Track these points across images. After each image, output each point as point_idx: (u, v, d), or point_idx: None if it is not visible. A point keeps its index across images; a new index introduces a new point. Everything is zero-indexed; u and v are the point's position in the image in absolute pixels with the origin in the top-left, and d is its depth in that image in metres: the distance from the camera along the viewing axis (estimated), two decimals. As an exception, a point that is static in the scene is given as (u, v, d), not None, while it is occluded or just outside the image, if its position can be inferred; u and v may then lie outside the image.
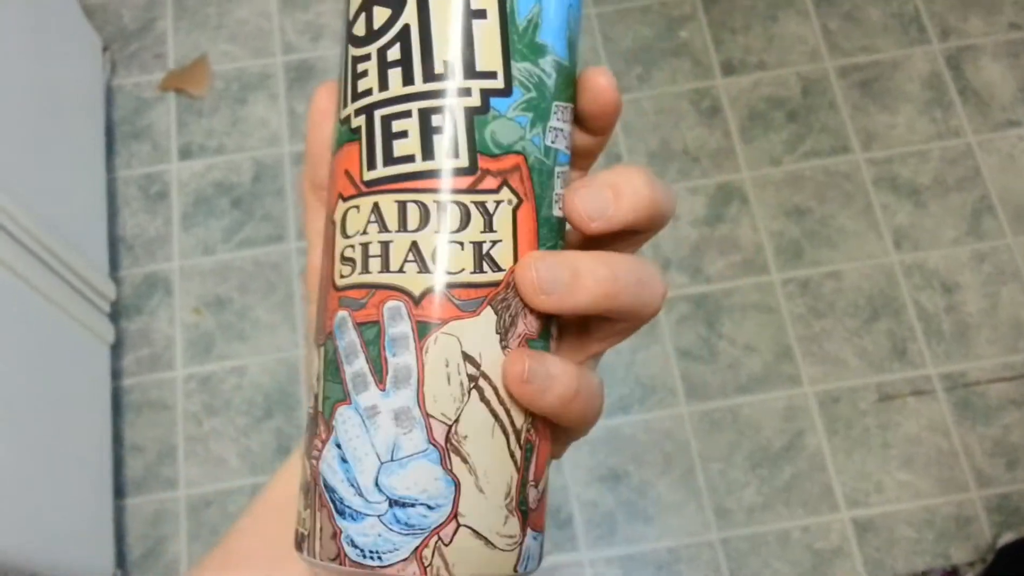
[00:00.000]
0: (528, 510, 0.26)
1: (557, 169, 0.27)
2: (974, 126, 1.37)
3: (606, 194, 0.25)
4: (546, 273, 0.24)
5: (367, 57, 0.26)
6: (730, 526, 1.18)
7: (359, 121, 0.26)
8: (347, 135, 0.26)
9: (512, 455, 0.25)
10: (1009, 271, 1.30)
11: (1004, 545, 1.14)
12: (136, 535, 1.19)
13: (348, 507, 0.25)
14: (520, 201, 0.26)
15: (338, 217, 0.26)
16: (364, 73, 0.26)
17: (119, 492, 1.20)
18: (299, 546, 0.26)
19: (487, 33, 0.26)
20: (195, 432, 1.23)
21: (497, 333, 0.25)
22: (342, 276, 0.26)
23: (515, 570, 0.25)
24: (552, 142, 0.26)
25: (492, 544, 0.25)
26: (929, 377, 1.25)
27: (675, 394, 1.24)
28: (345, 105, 0.26)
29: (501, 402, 0.25)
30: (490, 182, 0.25)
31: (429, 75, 0.25)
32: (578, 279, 0.25)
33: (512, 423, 0.25)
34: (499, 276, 0.25)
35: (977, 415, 1.23)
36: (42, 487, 0.99)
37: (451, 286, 0.25)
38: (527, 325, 0.26)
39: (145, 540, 1.19)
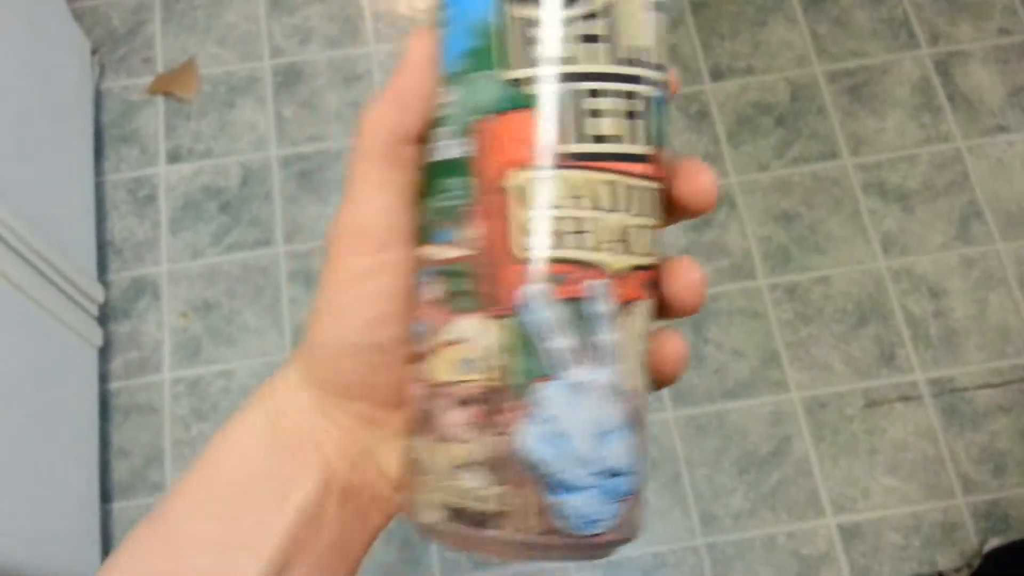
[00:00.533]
0: None
1: None
2: (963, 131, 1.37)
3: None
4: (701, 285, 0.28)
5: (554, 23, 0.25)
6: (716, 532, 1.18)
7: (537, 89, 0.25)
8: (519, 99, 0.25)
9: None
10: (997, 276, 1.30)
11: (991, 550, 1.14)
12: (123, 539, 1.19)
13: (562, 480, 0.25)
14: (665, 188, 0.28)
15: (516, 185, 0.25)
16: (548, 39, 0.25)
17: (106, 496, 1.20)
18: (482, 524, 0.25)
19: (662, 28, 0.27)
20: (182, 436, 1.23)
21: (651, 314, 0.27)
22: (526, 248, 0.25)
23: None
24: None
25: (644, 507, 0.27)
26: (916, 383, 1.25)
27: (661, 399, 1.24)
28: (510, 67, 0.25)
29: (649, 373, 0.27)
30: (659, 172, 0.27)
31: (628, 59, 0.26)
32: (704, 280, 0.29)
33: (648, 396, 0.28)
34: (658, 260, 0.27)
35: (964, 421, 1.23)
36: (28, 491, 0.99)
37: (638, 268, 0.26)
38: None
39: (131, 544, 1.19)
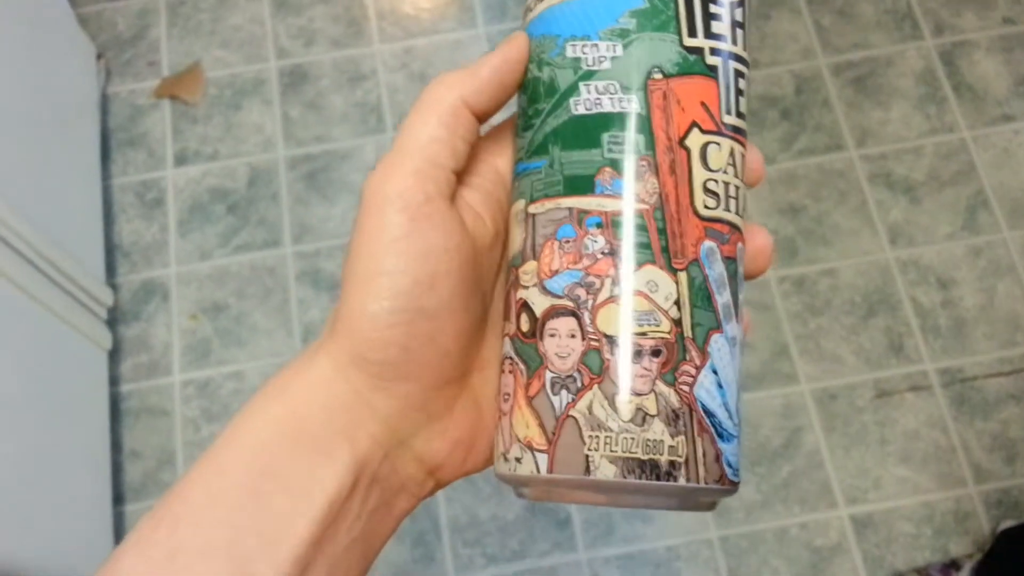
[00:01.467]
0: None
1: None
2: (968, 121, 1.37)
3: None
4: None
5: (726, 4, 0.28)
6: (728, 524, 1.18)
7: (715, 61, 0.27)
8: (699, 67, 0.27)
9: None
10: (1005, 265, 1.30)
11: (1005, 529, 1.14)
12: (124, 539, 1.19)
13: (726, 430, 0.26)
14: None
15: (696, 146, 0.27)
16: (717, 16, 0.27)
17: (118, 499, 1.20)
18: (664, 475, 0.25)
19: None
20: (193, 437, 1.23)
21: None
22: (707, 207, 0.26)
23: None
24: None
25: None
26: (926, 373, 1.25)
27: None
28: (695, 34, 0.27)
29: None
30: None
31: (747, 47, 0.29)
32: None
33: None
34: None
35: (975, 410, 1.23)
36: (40, 493, 0.99)
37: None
38: None
39: (145, 546, 1.19)
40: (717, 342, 0.26)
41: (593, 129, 0.27)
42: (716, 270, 0.26)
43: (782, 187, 1.34)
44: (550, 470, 0.26)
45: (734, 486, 0.26)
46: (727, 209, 0.27)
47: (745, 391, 1.24)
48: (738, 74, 0.28)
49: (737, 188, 0.27)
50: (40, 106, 1.16)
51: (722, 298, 0.26)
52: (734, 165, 0.27)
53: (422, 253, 0.26)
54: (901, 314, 1.28)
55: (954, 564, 1.14)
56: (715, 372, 0.26)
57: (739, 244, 0.28)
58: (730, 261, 0.27)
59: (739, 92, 0.28)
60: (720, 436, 0.26)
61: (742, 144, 0.28)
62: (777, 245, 1.31)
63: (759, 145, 1.36)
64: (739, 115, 0.28)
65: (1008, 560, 1.09)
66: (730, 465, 0.26)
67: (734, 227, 0.27)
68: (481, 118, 0.29)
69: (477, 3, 1.46)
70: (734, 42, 0.28)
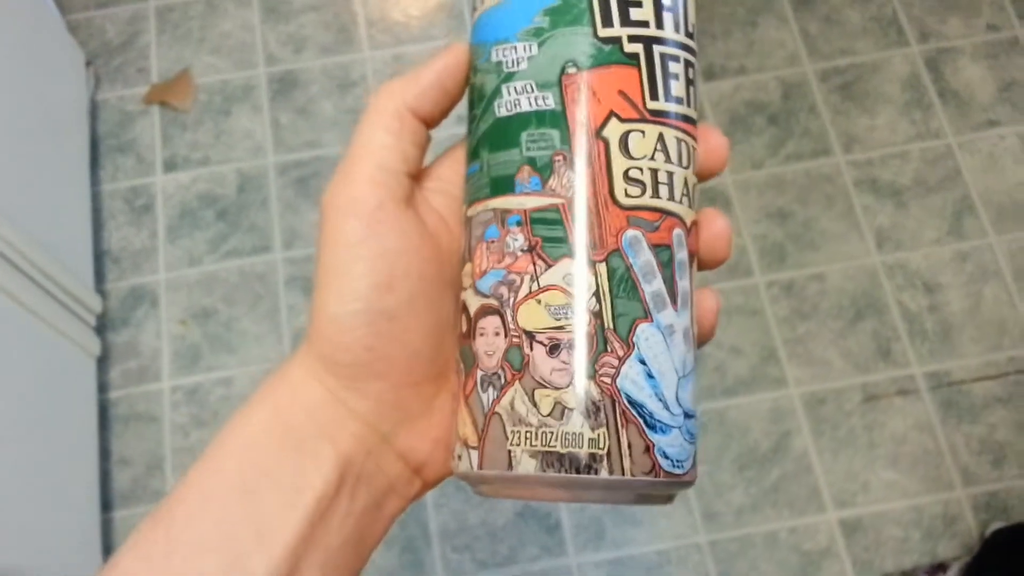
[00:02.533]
0: None
1: None
2: (954, 127, 1.39)
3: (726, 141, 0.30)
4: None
5: None
6: (718, 528, 1.19)
7: (635, 48, 0.27)
8: (617, 56, 0.27)
9: None
10: (991, 270, 1.31)
11: (993, 531, 1.14)
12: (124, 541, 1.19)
13: (659, 421, 0.26)
14: None
15: (615, 135, 0.26)
16: (636, 3, 0.27)
17: (106, 505, 1.20)
18: (584, 468, 0.25)
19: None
20: (182, 444, 1.23)
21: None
22: (629, 195, 0.26)
23: None
24: None
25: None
26: (914, 376, 1.26)
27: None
28: (610, 24, 0.27)
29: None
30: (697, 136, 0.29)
31: (688, 32, 0.28)
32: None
33: None
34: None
35: (962, 413, 1.24)
36: (29, 500, 0.99)
37: (694, 224, 0.28)
38: None
39: (133, 553, 1.19)
40: (645, 332, 0.26)
41: (513, 130, 0.27)
42: (642, 259, 0.26)
43: (770, 192, 1.35)
44: (480, 466, 0.27)
45: (676, 478, 0.26)
46: (656, 196, 0.26)
47: (733, 395, 1.24)
48: (670, 58, 0.27)
49: (671, 174, 0.27)
50: (29, 112, 1.16)
51: (651, 287, 0.26)
52: (665, 151, 0.27)
53: (378, 256, 0.27)
54: (888, 318, 1.28)
55: (941, 566, 1.15)
56: (643, 362, 0.25)
57: (676, 230, 0.27)
58: (661, 248, 0.26)
59: (671, 76, 0.27)
60: (651, 427, 0.25)
61: (680, 129, 0.27)
62: (765, 250, 1.32)
63: (747, 151, 1.37)
64: (675, 100, 0.27)
65: (997, 561, 1.09)
66: (666, 456, 0.25)
67: (667, 213, 0.27)
68: (428, 122, 0.29)
69: (466, 10, 1.46)
70: (660, 26, 0.27)
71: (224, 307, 1.30)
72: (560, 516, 1.19)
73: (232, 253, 1.33)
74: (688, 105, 0.28)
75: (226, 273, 1.32)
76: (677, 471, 0.26)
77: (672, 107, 0.27)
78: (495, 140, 0.28)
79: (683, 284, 0.27)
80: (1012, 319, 1.28)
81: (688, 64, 0.28)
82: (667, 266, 0.26)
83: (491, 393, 0.27)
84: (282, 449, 0.27)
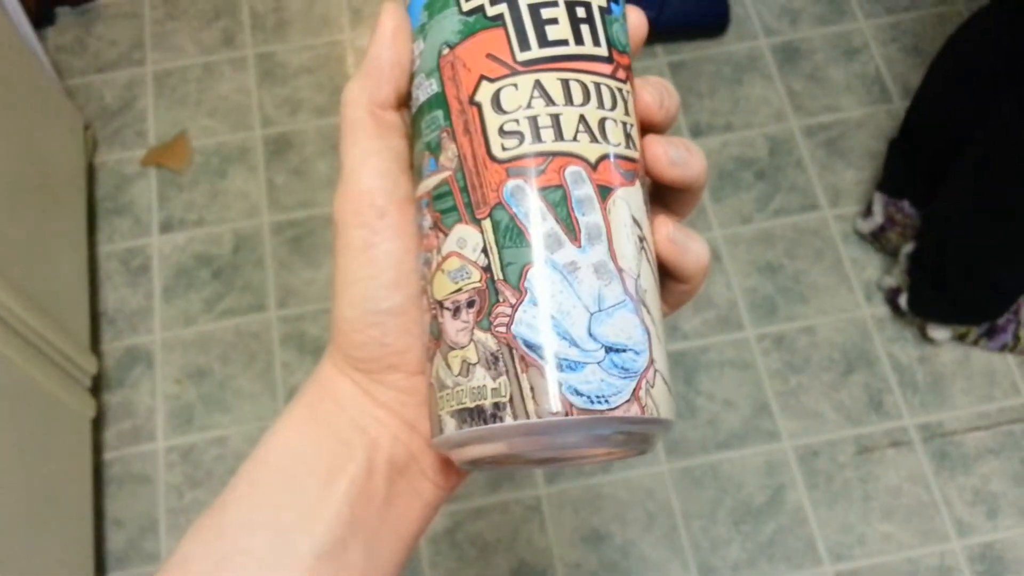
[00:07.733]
0: None
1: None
2: (938, 180, 1.41)
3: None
4: (673, 150, 0.29)
5: None
6: (714, 584, 1.18)
7: (498, 9, 0.28)
8: (481, 23, 0.28)
9: (661, 310, 0.29)
10: (980, 321, 1.32)
11: None
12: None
13: (565, 359, 0.26)
14: (633, 95, 0.30)
15: (487, 97, 0.27)
16: None
17: (100, 567, 1.19)
18: (490, 417, 0.26)
19: None
20: (177, 504, 1.23)
21: (645, 203, 0.29)
22: (505, 149, 0.27)
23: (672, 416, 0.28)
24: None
25: (671, 389, 0.28)
26: (906, 428, 1.26)
27: (656, 452, 1.25)
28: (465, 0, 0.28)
29: (654, 262, 0.29)
30: (621, 73, 0.29)
31: None
32: (691, 155, 0.30)
33: (657, 282, 0.29)
34: (638, 154, 0.29)
35: (955, 465, 1.24)
36: (23, 564, 0.98)
37: (616, 156, 0.28)
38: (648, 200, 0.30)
39: (127, 616, 1.18)
40: (539, 274, 0.26)
41: (417, 121, 0.29)
42: (526, 205, 0.26)
43: (759, 246, 1.37)
44: (431, 437, 0.29)
45: (599, 414, 0.26)
46: (537, 141, 0.27)
47: (727, 449, 1.25)
48: (541, 6, 0.28)
49: (557, 116, 0.27)
50: (27, 175, 1.18)
51: (540, 229, 0.26)
52: (545, 95, 0.27)
53: (384, 259, 0.29)
54: (879, 370, 1.29)
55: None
56: (536, 304, 0.26)
57: (569, 168, 0.27)
58: (550, 190, 0.27)
59: (546, 23, 0.28)
60: (557, 367, 0.25)
61: (567, 69, 0.27)
62: (756, 304, 1.33)
63: (735, 206, 1.39)
64: (553, 44, 0.28)
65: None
66: (579, 393, 0.25)
67: (554, 154, 0.27)
68: (402, 102, 0.31)
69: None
70: None
71: (219, 366, 1.30)
72: (556, 574, 1.19)
73: (227, 312, 1.34)
74: (579, 43, 0.28)
75: (221, 332, 1.33)
76: (599, 406, 0.26)
77: (550, 51, 0.27)
78: (413, 135, 0.30)
79: (589, 219, 0.27)
80: (1002, 370, 1.29)
81: (575, 4, 0.28)
82: (561, 205, 0.27)
83: (427, 367, 0.29)
84: (317, 439, 0.30)
